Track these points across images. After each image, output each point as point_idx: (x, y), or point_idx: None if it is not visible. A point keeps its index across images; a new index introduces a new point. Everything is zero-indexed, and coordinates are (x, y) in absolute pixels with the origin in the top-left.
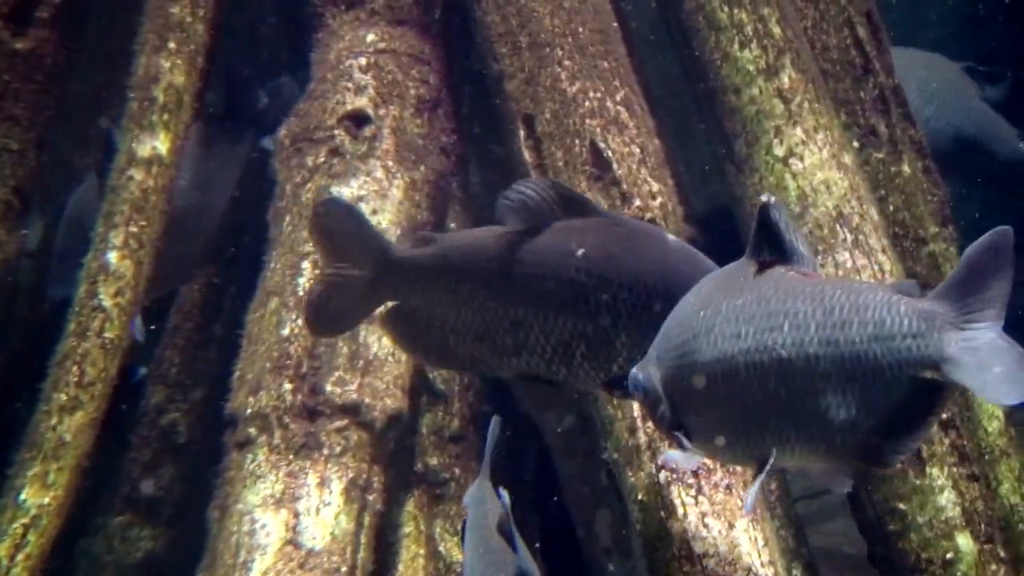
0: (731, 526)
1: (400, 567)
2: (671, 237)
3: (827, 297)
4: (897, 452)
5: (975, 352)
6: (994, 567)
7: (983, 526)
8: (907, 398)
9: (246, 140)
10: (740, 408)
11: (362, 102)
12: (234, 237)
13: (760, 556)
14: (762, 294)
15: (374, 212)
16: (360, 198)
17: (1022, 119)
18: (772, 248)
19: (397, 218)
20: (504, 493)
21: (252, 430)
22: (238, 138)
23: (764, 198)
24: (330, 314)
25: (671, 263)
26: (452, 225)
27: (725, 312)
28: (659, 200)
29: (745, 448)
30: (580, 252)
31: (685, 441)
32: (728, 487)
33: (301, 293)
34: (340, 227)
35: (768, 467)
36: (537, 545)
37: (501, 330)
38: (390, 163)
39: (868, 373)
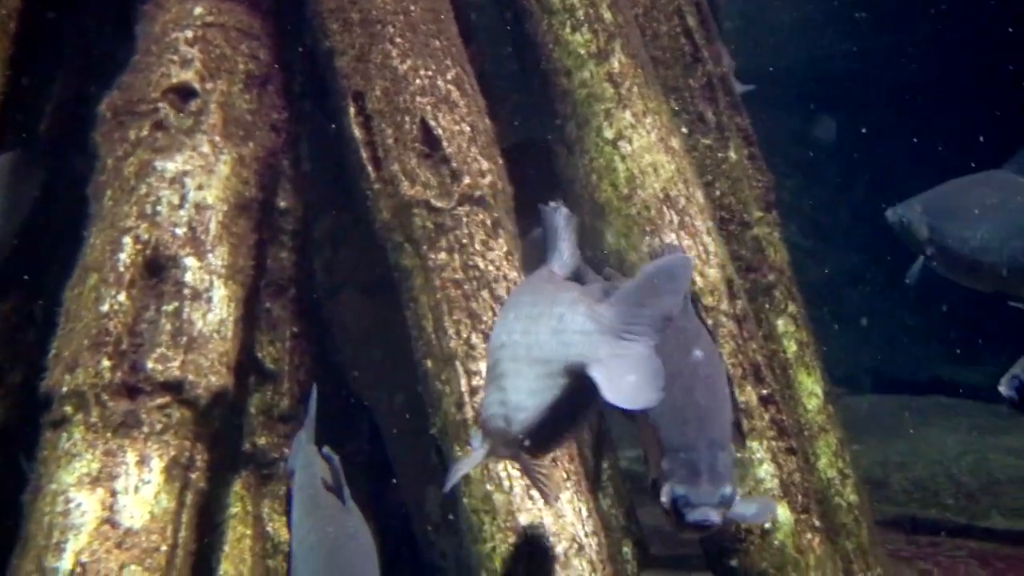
0: (556, 497)
1: (226, 547)
2: None
3: (542, 295)
4: (552, 441)
5: (621, 360)
6: (809, 536)
7: (800, 497)
8: (569, 391)
9: None
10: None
11: (188, 75)
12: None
13: (584, 526)
14: (526, 291)
15: (200, 187)
16: (185, 173)
17: None
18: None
19: (224, 194)
20: (329, 451)
21: (68, 408)
22: None
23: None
24: None
25: None
26: (282, 204)
27: (512, 308)
28: (489, 178)
29: None
30: None
31: None
32: (553, 459)
33: (121, 269)
34: None
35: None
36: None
37: None
38: (217, 138)
39: (543, 362)
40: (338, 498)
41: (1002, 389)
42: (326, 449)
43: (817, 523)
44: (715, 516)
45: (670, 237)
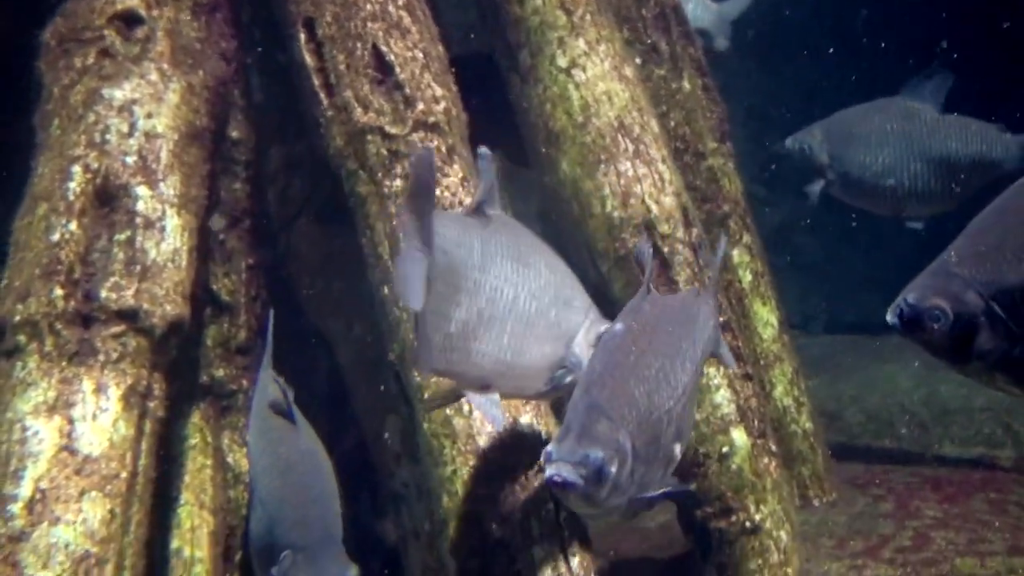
0: (515, 421)
1: (187, 478)
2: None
3: None
4: None
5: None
6: (766, 460)
7: (756, 422)
8: None
9: None
10: None
11: (133, 2)
12: None
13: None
14: None
15: (149, 116)
16: (134, 101)
17: None
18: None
19: (175, 123)
20: (280, 380)
21: (21, 337)
22: None
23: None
24: None
25: None
26: (234, 134)
27: None
28: (443, 105)
29: None
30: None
31: None
32: None
33: (71, 197)
34: None
35: None
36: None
37: None
38: (165, 66)
39: None
40: (289, 418)
41: (889, 317)
42: (278, 378)
43: (773, 448)
44: (570, 475)
45: (625, 165)
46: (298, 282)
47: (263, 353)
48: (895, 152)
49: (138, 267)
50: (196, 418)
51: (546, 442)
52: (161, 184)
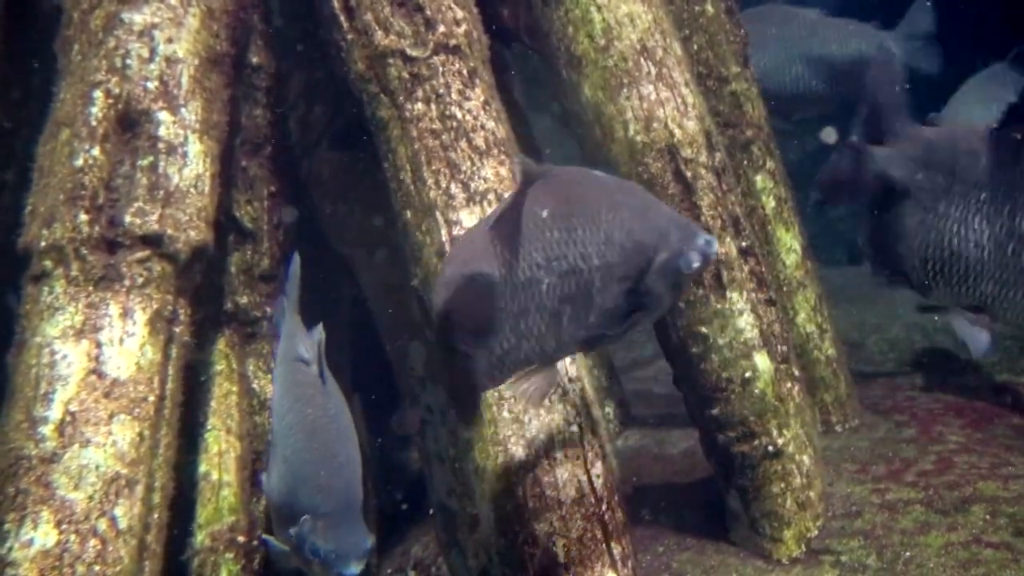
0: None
1: (213, 403)
2: (600, 173)
3: None
4: None
5: None
6: (788, 385)
7: (779, 347)
8: None
9: None
10: None
11: None
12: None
13: (568, 372)
14: None
15: (169, 40)
16: (154, 25)
17: None
18: None
19: (195, 48)
20: (319, 329)
21: (48, 263)
22: None
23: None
24: None
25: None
26: (254, 60)
27: None
28: (463, 27)
29: None
30: (544, 214)
31: None
32: None
33: (94, 123)
34: None
35: None
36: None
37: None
38: None
39: None
40: (319, 376)
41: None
42: (317, 328)
43: (796, 373)
44: None
45: (647, 89)
46: (320, 209)
47: (287, 295)
48: (777, 56)
49: (161, 192)
50: (222, 344)
51: (569, 364)
52: (183, 109)
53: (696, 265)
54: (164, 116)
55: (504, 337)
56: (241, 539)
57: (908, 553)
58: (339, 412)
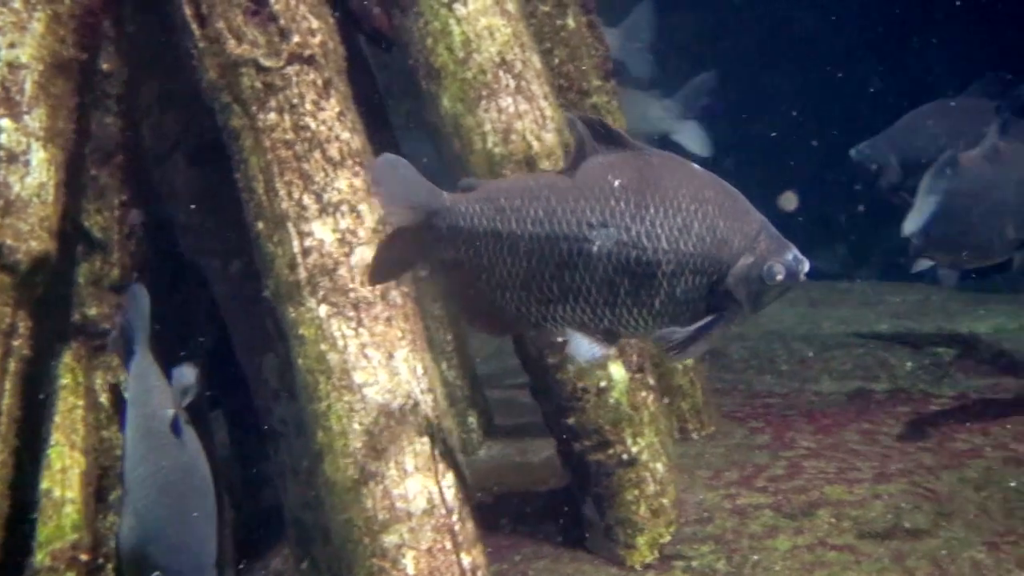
0: (391, 356)
1: (57, 418)
2: (697, 166)
3: None
4: None
5: None
6: (643, 393)
7: (634, 357)
8: None
9: None
10: None
11: None
12: None
13: (420, 384)
14: None
15: (12, 45)
16: None
17: None
18: None
19: (40, 53)
20: (186, 372)
21: None
22: None
23: None
24: (385, 262)
25: (700, 188)
26: (105, 66)
27: None
28: (319, 37)
29: None
30: (616, 183)
31: None
32: (388, 319)
33: None
34: (393, 179)
35: None
36: (208, 394)
37: (547, 275)
38: None
39: None
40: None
41: None
42: (186, 370)
43: (651, 382)
44: None
45: (506, 101)
46: (174, 218)
47: (136, 332)
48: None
49: (1, 201)
50: (67, 358)
51: (421, 375)
52: (26, 116)
53: (780, 278)
54: (6, 123)
55: (543, 283)
56: (84, 557)
57: (756, 556)
58: (194, 463)
